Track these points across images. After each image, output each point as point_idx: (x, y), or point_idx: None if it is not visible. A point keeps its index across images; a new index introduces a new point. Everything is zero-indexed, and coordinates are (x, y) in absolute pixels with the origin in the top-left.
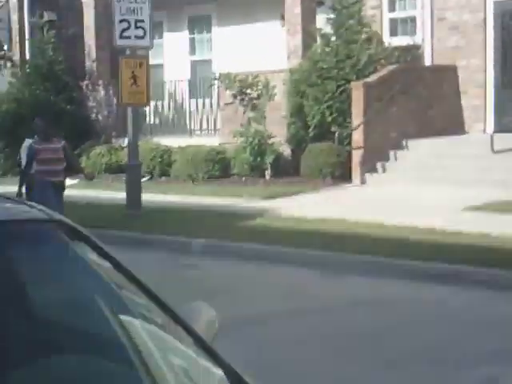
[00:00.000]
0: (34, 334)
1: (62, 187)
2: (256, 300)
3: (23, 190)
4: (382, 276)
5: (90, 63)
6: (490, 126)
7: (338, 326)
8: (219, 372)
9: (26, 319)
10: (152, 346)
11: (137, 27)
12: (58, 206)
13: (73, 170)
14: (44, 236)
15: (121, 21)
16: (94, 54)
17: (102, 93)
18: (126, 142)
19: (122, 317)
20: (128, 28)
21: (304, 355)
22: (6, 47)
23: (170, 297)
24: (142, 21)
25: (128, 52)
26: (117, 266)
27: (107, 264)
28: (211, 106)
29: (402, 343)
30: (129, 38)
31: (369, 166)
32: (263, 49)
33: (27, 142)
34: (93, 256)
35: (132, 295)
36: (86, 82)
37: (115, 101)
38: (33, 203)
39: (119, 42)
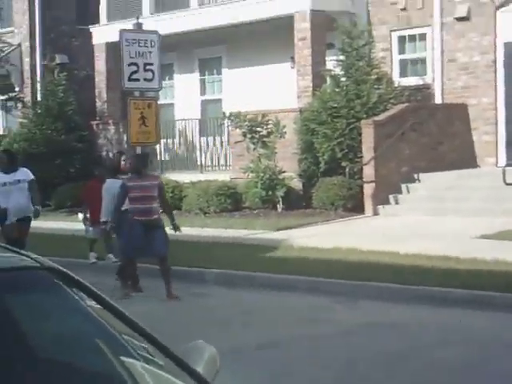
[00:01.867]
0: (41, 379)
1: (156, 225)
2: (278, 326)
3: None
4: (398, 302)
5: (100, 104)
6: (502, 159)
7: (360, 348)
8: None
9: (30, 369)
10: None
11: (146, 70)
12: (152, 245)
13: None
14: (37, 283)
15: (129, 64)
16: (104, 95)
17: (112, 132)
18: None
19: (124, 359)
20: (137, 71)
21: (328, 376)
22: (17, 89)
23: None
24: (151, 64)
25: (137, 94)
26: (111, 309)
27: (100, 307)
28: (222, 144)
29: (427, 366)
30: (137, 80)
31: (381, 199)
32: (273, 89)
33: (112, 182)
34: (86, 300)
35: (131, 338)
36: (96, 122)
37: (125, 139)
38: (25, 252)
39: (128, 85)
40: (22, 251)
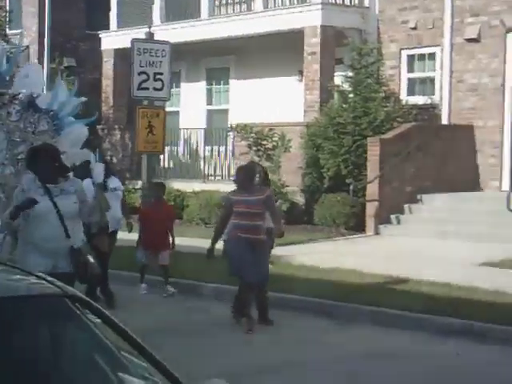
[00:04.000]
0: None
1: (261, 247)
2: (271, 348)
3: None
4: (394, 328)
5: (106, 108)
6: (506, 183)
7: (351, 379)
8: None
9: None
10: None
11: (155, 79)
12: (258, 267)
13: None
14: (57, 310)
15: (140, 73)
16: (111, 101)
17: (118, 137)
18: (139, 184)
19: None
20: (147, 80)
21: None
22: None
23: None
24: (161, 73)
25: (145, 102)
26: (125, 336)
27: (116, 334)
28: (226, 154)
29: None
30: (147, 89)
31: (383, 218)
32: (280, 102)
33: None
34: (103, 327)
35: (137, 361)
36: (101, 126)
37: (130, 145)
38: (41, 275)
39: (137, 94)
40: (48, 277)
